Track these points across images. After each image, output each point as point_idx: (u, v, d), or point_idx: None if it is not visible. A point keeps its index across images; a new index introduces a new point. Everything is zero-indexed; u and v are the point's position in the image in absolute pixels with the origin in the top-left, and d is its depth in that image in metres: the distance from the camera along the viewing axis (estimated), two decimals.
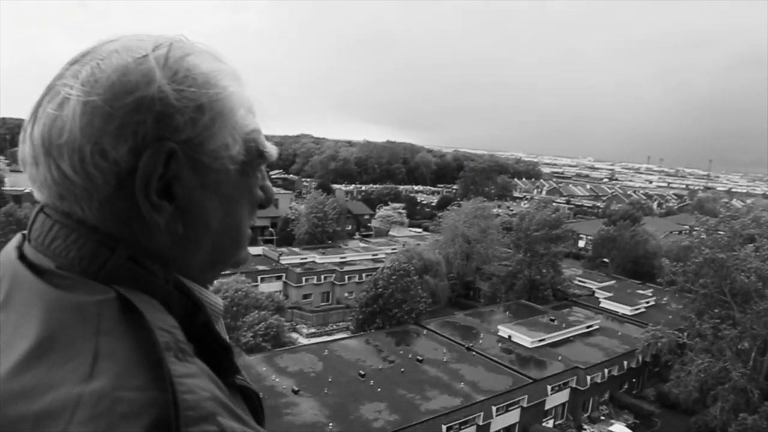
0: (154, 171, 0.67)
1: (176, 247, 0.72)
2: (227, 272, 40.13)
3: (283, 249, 55.10)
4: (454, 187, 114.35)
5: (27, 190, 78.03)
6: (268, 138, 0.83)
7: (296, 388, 25.70)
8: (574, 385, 30.61)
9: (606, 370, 32.19)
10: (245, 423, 0.63)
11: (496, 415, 26.54)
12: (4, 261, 0.69)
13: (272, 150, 0.85)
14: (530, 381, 29.02)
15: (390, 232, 71.93)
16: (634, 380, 34.43)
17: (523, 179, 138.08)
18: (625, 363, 33.46)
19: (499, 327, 35.91)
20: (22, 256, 0.68)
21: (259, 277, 45.50)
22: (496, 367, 30.43)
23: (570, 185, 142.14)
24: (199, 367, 0.62)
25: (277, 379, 26.66)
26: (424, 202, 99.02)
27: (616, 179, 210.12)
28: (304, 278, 47.55)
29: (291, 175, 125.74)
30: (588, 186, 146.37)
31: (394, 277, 36.67)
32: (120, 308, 0.61)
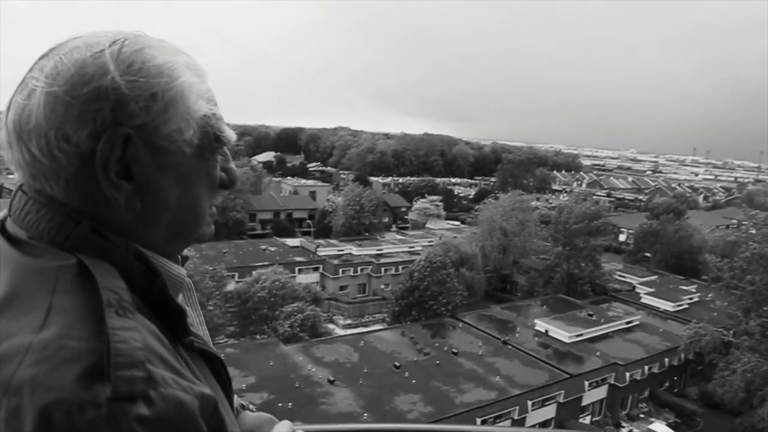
0: (111, 153, 0.74)
1: (137, 221, 0.79)
2: (266, 263, 40.88)
3: (321, 241, 55.65)
4: (492, 179, 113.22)
5: None
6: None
7: (332, 378, 26.02)
8: (612, 382, 30.07)
9: (646, 367, 31.49)
10: (180, 375, 0.68)
11: (532, 410, 26.32)
12: None
13: (230, 134, 0.90)
14: (567, 376, 28.65)
15: (427, 225, 71.74)
16: (675, 378, 33.57)
17: (563, 172, 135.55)
18: (667, 360, 32.66)
19: (536, 321, 35.53)
20: (1, 229, 0.77)
21: (296, 269, 46.08)
22: (533, 361, 30.13)
23: (611, 178, 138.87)
24: (139, 323, 0.68)
25: (314, 369, 27.02)
26: (462, 195, 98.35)
27: (660, 171, 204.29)
28: (340, 270, 47.95)
29: (329, 168, 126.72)
30: (630, 179, 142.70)
31: (429, 269, 36.64)
32: (77, 272, 0.70)
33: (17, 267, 0.71)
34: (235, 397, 1.11)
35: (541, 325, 34.88)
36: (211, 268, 34.46)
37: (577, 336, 33.42)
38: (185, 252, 0.96)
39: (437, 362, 28.87)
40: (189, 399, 0.66)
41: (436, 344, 31.68)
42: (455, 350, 30.51)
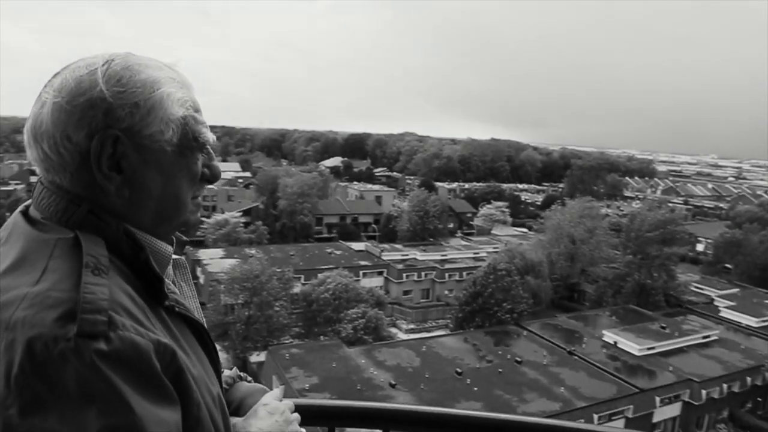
0: (102, 150, 0.92)
1: (127, 206, 0.97)
2: (331, 267, 41.67)
3: (385, 245, 56.11)
4: (561, 185, 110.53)
5: None
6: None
7: (393, 382, 26.22)
8: (687, 399, 28.65)
9: (725, 386, 29.76)
10: (141, 324, 0.84)
11: (598, 424, 25.50)
12: (14, 216, 0.98)
13: (208, 136, 1.06)
14: (637, 390, 27.54)
15: (492, 231, 70.89)
16: (759, 399, 31.56)
17: (636, 178, 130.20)
18: (749, 379, 30.75)
19: (605, 332, 34.37)
20: (24, 213, 0.97)
21: (361, 272, 46.65)
22: (600, 373, 29.18)
23: (689, 184, 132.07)
24: (112, 282, 0.85)
25: (375, 372, 27.32)
26: (529, 201, 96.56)
27: (744, 178, 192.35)
28: (404, 275, 48.16)
29: (395, 173, 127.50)
30: (710, 185, 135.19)
31: (493, 276, 36.24)
32: (72, 243, 0.89)
33: (29, 239, 0.90)
34: (234, 369, 1.32)
35: (609, 336, 33.73)
36: (279, 270, 35.52)
37: (649, 349, 32.07)
38: (184, 238, 1.19)
39: (500, 370, 28.51)
40: (143, 342, 0.81)
41: (499, 352, 31.28)
42: (519, 359, 30.02)
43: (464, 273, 47.17)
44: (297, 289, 37.28)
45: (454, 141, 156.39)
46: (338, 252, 52.52)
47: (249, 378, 1.32)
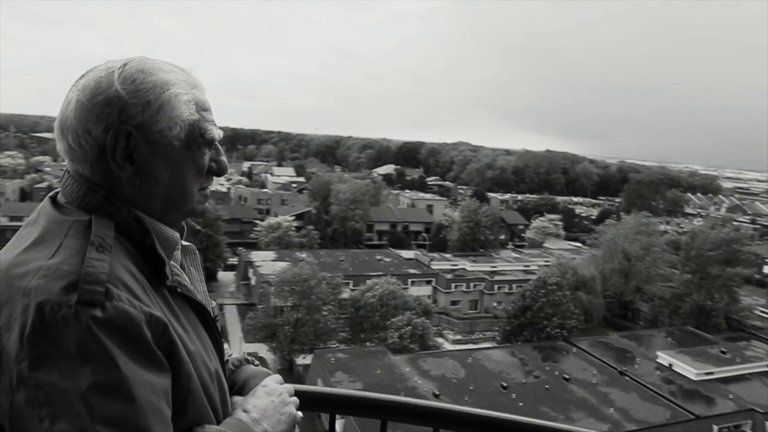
0: (116, 143, 1.03)
1: (139, 194, 1.08)
2: (380, 273, 41.91)
3: (435, 254, 56.00)
4: (617, 200, 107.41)
5: (213, 188, 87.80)
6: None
7: (437, 392, 26.11)
8: (748, 430, 27.24)
9: None
10: (137, 298, 0.95)
11: None
12: (44, 200, 1.11)
13: (214, 132, 1.16)
14: (692, 417, 26.38)
15: (544, 244, 69.59)
16: None
17: (698, 194, 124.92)
18: None
19: (659, 353, 33.13)
20: (53, 198, 1.10)
21: (409, 280, 46.72)
22: (653, 396, 28.13)
23: (757, 203, 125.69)
24: (114, 259, 0.96)
25: (419, 381, 27.28)
26: (583, 215, 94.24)
27: None
28: (453, 285, 47.92)
29: (447, 182, 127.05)
30: None
31: (543, 289, 35.61)
32: (86, 225, 1.00)
33: (51, 220, 1.03)
34: (243, 353, 1.43)
35: (664, 357, 32.49)
36: (328, 275, 36.02)
37: (707, 374, 30.68)
38: (197, 227, 1.31)
39: (546, 386, 27.94)
40: (136, 313, 0.92)
41: (547, 368, 30.65)
42: (567, 376, 29.33)
43: (514, 285, 46.53)
44: (345, 294, 37.68)
45: (508, 152, 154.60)
46: (388, 259, 52.77)
47: (256, 362, 1.42)
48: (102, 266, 0.93)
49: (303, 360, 32.46)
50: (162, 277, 1.06)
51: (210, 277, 48.54)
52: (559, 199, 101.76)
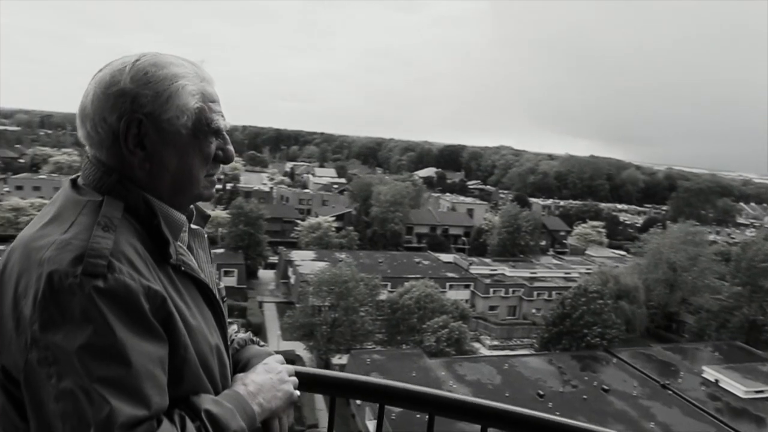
0: (128, 130, 1.13)
1: (148, 178, 1.18)
2: (418, 276, 41.90)
3: (474, 258, 55.62)
4: (664, 208, 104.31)
5: (256, 188, 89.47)
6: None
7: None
8: None
9: None
10: (138, 272, 1.04)
11: None
12: (66, 182, 1.22)
13: (220, 123, 1.25)
14: None
15: (586, 251, 68.24)
16: None
17: (752, 204, 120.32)
18: None
19: (705, 368, 32.05)
20: (74, 180, 1.21)
21: (447, 284, 46.56)
22: (697, 412, 27.22)
23: None
24: (118, 237, 1.06)
25: (454, 386, 27.18)
26: (628, 222, 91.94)
27: None
28: (491, 289, 47.51)
29: (488, 186, 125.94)
30: None
31: (584, 297, 34.95)
32: (98, 204, 1.10)
33: (68, 200, 1.14)
34: (249, 333, 1.52)
35: (710, 373, 31.40)
36: (367, 276, 36.23)
37: (757, 392, 29.46)
38: (207, 212, 1.41)
39: (584, 397, 27.41)
40: (134, 285, 1.01)
41: (585, 377, 30.07)
42: (606, 387, 28.71)
43: (554, 292, 45.80)
44: (383, 296, 37.84)
45: (551, 156, 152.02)
46: (426, 262, 52.70)
47: (262, 342, 1.50)
48: (106, 242, 1.02)
49: (339, 360, 32.74)
50: (166, 256, 1.15)
51: (250, 274, 49.45)
52: (602, 205, 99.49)
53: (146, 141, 1.15)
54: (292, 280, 45.32)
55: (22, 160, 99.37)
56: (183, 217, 1.25)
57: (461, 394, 1.79)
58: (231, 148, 1.29)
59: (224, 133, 1.27)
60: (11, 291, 1.03)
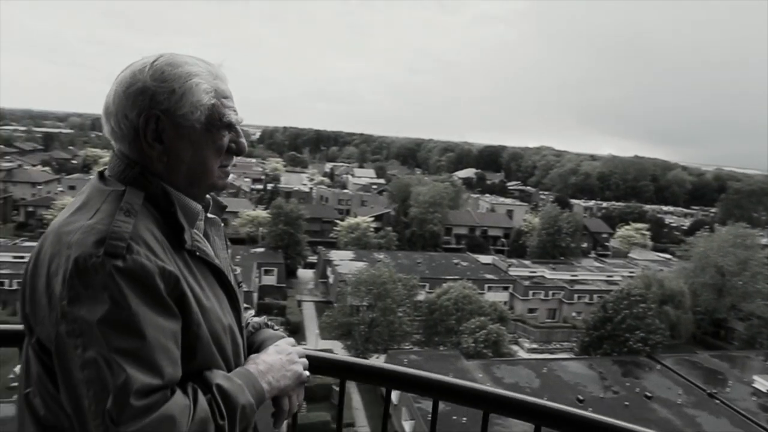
0: (147, 126, 1.23)
1: (166, 170, 1.27)
2: (456, 277, 41.71)
3: (513, 260, 55.07)
4: (713, 210, 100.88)
5: (296, 188, 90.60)
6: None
7: None
8: None
9: None
10: (155, 254, 1.13)
11: None
12: (94, 175, 1.32)
13: (233, 117, 1.33)
14: None
15: (629, 254, 66.64)
16: None
17: None
18: None
19: (756, 377, 30.88)
20: (101, 172, 1.31)
21: (486, 286, 46.24)
22: (747, 423, 26.27)
23: None
24: (138, 223, 1.16)
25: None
26: (673, 225, 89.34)
27: None
28: (531, 292, 46.95)
29: (528, 187, 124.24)
30: None
31: (626, 301, 34.16)
32: (121, 194, 1.20)
33: (95, 189, 1.24)
34: (264, 317, 1.60)
35: (762, 382, 30.23)
36: (405, 277, 36.31)
37: None
38: (223, 203, 1.50)
39: (626, 403, 26.81)
40: (150, 266, 1.10)
41: (627, 384, 29.42)
42: (649, 394, 28.02)
43: (595, 296, 44.97)
44: (421, 296, 37.84)
45: (593, 157, 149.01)
46: (465, 263, 52.44)
47: (276, 327, 1.58)
48: (126, 227, 1.12)
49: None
50: (182, 242, 1.24)
51: (290, 274, 50.16)
52: (647, 207, 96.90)
53: (164, 135, 1.25)
54: (330, 280, 45.75)
55: (74, 161, 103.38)
56: (198, 206, 1.34)
57: (466, 381, 1.79)
58: (243, 140, 1.38)
59: (237, 126, 1.35)
60: (45, 271, 1.13)
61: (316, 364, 1.57)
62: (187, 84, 1.26)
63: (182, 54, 1.32)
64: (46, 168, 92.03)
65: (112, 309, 1.06)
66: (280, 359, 1.40)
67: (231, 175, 1.39)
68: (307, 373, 1.44)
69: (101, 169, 1.33)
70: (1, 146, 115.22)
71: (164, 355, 1.09)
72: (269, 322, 1.60)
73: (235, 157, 1.38)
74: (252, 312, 1.60)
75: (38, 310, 1.14)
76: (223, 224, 1.50)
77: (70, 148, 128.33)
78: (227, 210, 1.62)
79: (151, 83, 1.23)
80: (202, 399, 1.14)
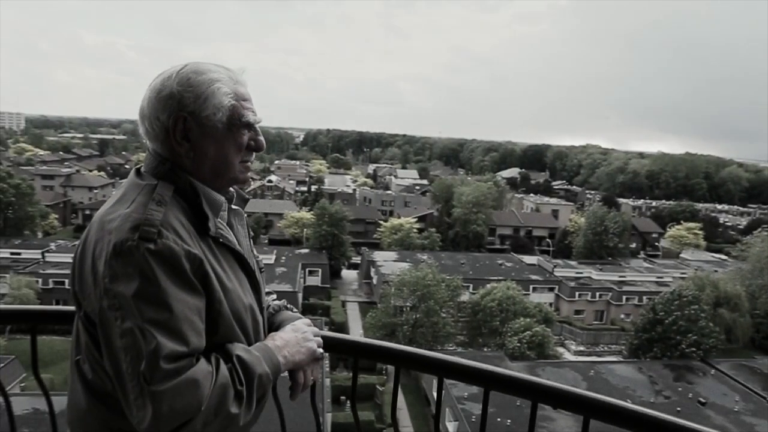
0: (176, 126, 1.40)
1: (193, 165, 1.44)
2: (500, 278, 41.32)
3: (559, 261, 54.17)
4: None
5: (340, 189, 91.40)
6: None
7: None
8: None
9: None
10: (182, 239, 1.29)
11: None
12: (131, 171, 1.49)
13: (251, 117, 1.48)
14: None
15: (681, 255, 64.55)
16: None
17: None
18: None
19: None
20: (138, 168, 1.48)
21: (531, 287, 45.63)
22: None
23: None
24: (168, 212, 1.32)
25: None
26: (728, 224, 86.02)
27: None
28: (577, 293, 46.06)
29: (574, 187, 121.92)
30: None
31: (677, 302, 33.13)
32: (153, 187, 1.37)
33: (132, 184, 1.41)
34: (283, 301, 1.77)
35: None
36: (448, 277, 36.21)
37: None
38: (246, 196, 1.67)
39: (678, 409, 25.95)
40: (177, 249, 1.27)
41: (679, 388, 28.52)
42: (703, 399, 27.09)
43: (644, 297, 43.78)
44: (465, 297, 37.65)
45: (642, 155, 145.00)
46: (509, 264, 51.90)
47: (294, 309, 1.75)
48: (158, 216, 1.29)
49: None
50: (207, 229, 1.41)
51: (334, 274, 50.66)
52: (699, 206, 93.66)
53: (190, 134, 1.41)
54: (374, 281, 46.03)
55: (127, 166, 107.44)
56: (222, 198, 1.50)
57: (467, 359, 1.85)
58: (262, 138, 1.54)
59: (255, 126, 1.51)
60: (90, 254, 1.31)
61: (330, 343, 1.72)
62: (210, 89, 1.41)
63: (206, 62, 1.48)
64: (102, 173, 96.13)
65: (144, 285, 1.22)
66: (295, 336, 1.56)
67: (250, 171, 1.56)
68: (321, 350, 1.59)
69: (138, 165, 1.50)
70: (61, 153, 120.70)
71: (189, 327, 1.25)
72: (288, 305, 1.76)
73: (254, 153, 1.53)
74: (274, 296, 1.76)
75: (85, 287, 1.32)
76: (246, 215, 1.67)
77: (123, 153, 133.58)
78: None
79: (179, 89, 1.40)
80: (223, 367, 1.29)
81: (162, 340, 1.20)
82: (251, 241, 1.67)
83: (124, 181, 1.47)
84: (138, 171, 1.47)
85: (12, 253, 44.62)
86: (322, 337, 1.64)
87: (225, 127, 1.44)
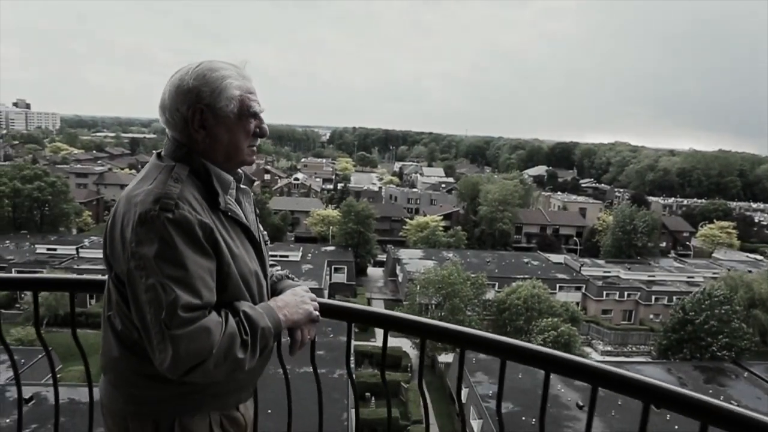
0: (194, 117, 1.59)
1: (208, 150, 1.64)
2: (526, 276, 41.04)
3: (586, 260, 53.50)
4: None
5: (366, 187, 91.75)
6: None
7: (581, 404, 25.13)
8: None
9: None
10: (195, 211, 1.49)
11: None
12: (153, 155, 1.70)
13: (257, 108, 1.68)
14: None
15: (713, 254, 63.19)
16: None
17: None
18: None
19: None
20: (159, 152, 1.69)
21: (557, 285, 45.22)
22: None
23: None
24: (186, 188, 1.53)
25: (563, 390, 26.44)
26: (764, 223, 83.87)
27: None
28: (605, 292, 45.44)
29: (602, 185, 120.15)
30: None
31: (708, 302, 32.49)
32: (172, 167, 1.57)
33: (153, 165, 1.63)
34: (286, 270, 2.00)
35: None
36: (473, 275, 36.11)
37: None
38: (253, 178, 1.86)
39: None
40: (192, 218, 1.47)
41: (710, 391, 27.96)
42: (735, 403, 26.52)
43: (674, 297, 42.98)
44: (490, 295, 37.51)
45: (672, 152, 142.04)
46: (535, 263, 51.50)
47: (294, 278, 1.98)
48: (174, 191, 1.50)
49: (445, 357, 32.99)
50: (217, 204, 1.62)
51: (360, 272, 50.91)
52: (733, 204, 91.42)
53: (206, 123, 1.61)
54: (399, 278, 46.13)
55: None
56: (230, 177, 1.70)
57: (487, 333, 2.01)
58: (265, 126, 1.74)
59: (260, 115, 1.71)
60: (119, 224, 1.52)
61: (326, 307, 1.92)
62: (223, 84, 1.61)
63: (217, 60, 1.68)
64: (133, 171, 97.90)
65: (164, 248, 1.44)
66: (294, 299, 1.77)
67: (255, 155, 1.77)
68: (317, 312, 1.80)
69: (158, 150, 1.72)
70: (95, 151, 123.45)
71: (202, 283, 1.46)
72: (290, 275, 1.98)
73: (259, 138, 1.74)
74: (278, 267, 1.98)
75: (115, 252, 1.54)
76: (252, 193, 1.89)
77: (154, 151, 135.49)
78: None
79: (196, 84, 1.60)
80: (231, 320, 1.50)
81: (179, 293, 1.41)
82: (257, 217, 1.88)
83: (147, 164, 1.68)
84: (159, 155, 1.68)
85: (48, 249, 45.89)
86: (319, 303, 1.85)
87: (236, 117, 1.63)
